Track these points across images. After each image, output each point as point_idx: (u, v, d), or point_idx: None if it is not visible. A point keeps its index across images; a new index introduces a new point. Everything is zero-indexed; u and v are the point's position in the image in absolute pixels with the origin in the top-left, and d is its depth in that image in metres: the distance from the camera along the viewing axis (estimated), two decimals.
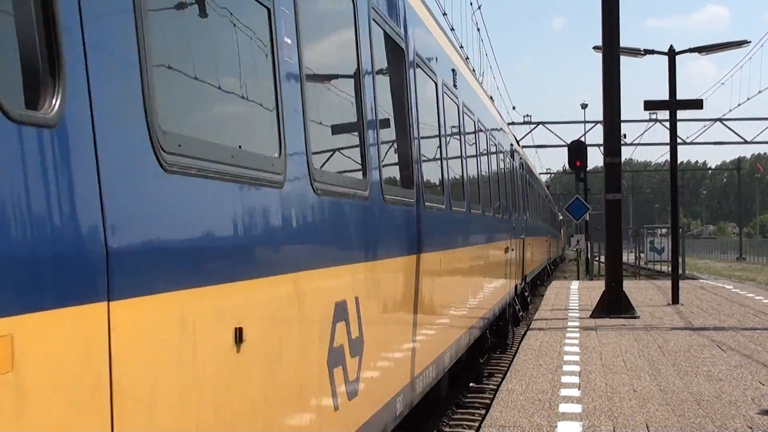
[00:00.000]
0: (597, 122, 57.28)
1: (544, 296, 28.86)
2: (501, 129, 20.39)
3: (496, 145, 18.28)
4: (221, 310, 3.86)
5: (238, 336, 3.95)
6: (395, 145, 7.92)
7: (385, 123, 7.31)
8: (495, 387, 13.98)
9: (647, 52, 27.38)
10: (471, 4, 36.48)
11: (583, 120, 62.46)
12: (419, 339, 8.40)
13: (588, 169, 41.52)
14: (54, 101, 2.76)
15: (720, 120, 59.07)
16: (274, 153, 4.60)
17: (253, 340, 4.10)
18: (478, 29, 51.94)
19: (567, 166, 37.15)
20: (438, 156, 10.12)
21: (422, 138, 8.87)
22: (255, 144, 4.50)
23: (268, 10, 4.56)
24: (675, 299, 24.84)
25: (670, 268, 29.07)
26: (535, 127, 59.93)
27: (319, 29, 5.94)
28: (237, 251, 4.06)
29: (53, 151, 2.75)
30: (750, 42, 29.24)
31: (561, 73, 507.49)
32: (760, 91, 56.38)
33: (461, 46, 32.63)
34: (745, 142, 60.30)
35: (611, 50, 21.77)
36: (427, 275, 8.80)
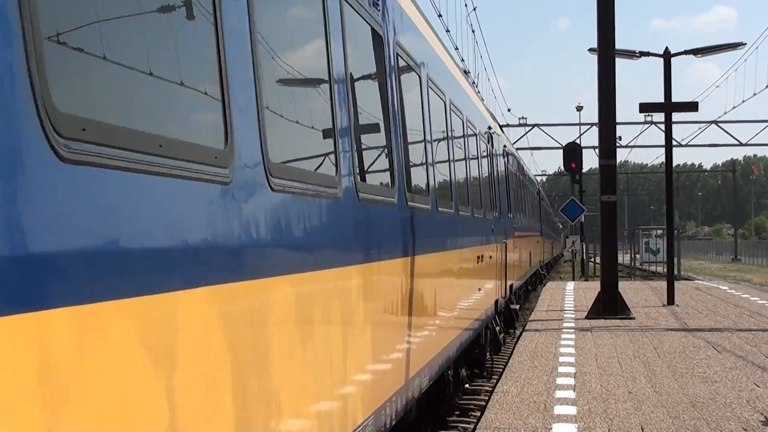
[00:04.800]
0: (592, 124, 57.36)
1: (540, 297, 28.86)
2: None
3: None
4: None
5: None
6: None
7: None
8: (490, 389, 13.97)
9: (642, 54, 27.37)
10: (466, 5, 36.39)
11: (578, 122, 62.44)
12: None
13: (583, 171, 41.54)
14: None
15: (715, 122, 59.19)
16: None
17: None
18: (473, 31, 51.89)
19: (562, 167, 37.16)
20: None
21: None
22: None
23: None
24: (670, 300, 24.85)
25: (665, 269, 29.07)
26: (530, 129, 60.03)
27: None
28: None
29: None
30: (746, 44, 29.27)
31: (561, 75, 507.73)
32: (755, 94, 56.37)
33: (456, 48, 32.64)
34: (741, 144, 60.44)
35: (606, 52, 21.79)
36: None
